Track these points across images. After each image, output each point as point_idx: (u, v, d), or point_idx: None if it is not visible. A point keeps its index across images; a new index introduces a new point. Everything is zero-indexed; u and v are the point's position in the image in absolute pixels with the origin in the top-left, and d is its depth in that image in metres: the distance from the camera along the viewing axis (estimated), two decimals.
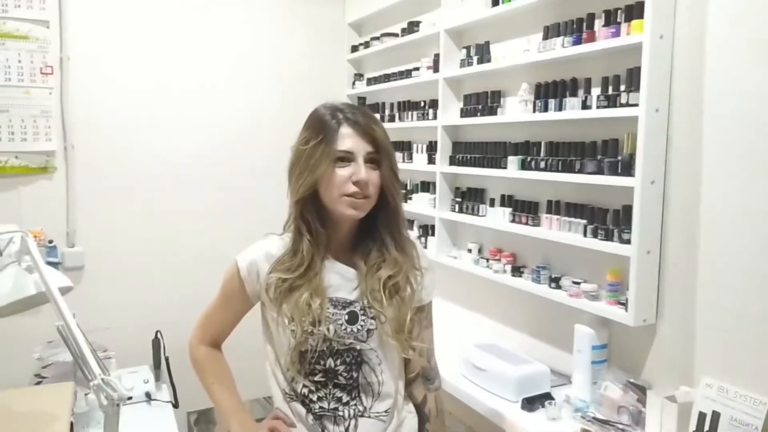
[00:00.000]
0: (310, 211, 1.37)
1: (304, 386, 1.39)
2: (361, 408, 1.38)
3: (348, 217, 1.36)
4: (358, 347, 1.37)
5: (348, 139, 1.33)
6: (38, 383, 2.09)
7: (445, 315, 2.74)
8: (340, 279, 1.40)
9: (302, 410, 1.40)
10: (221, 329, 1.54)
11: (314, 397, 1.39)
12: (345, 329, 1.36)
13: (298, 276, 1.37)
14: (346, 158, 1.32)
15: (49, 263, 2.73)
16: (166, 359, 2.43)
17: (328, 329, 1.35)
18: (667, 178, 1.79)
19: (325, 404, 1.38)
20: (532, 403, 1.93)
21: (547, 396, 1.96)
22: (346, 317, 1.37)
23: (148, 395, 2.27)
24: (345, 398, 1.38)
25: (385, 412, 1.40)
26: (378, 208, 1.39)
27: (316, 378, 1.39)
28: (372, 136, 1.34)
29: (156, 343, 2.47)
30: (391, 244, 1.40)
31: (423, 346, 1.45)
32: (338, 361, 1.37)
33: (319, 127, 1.34)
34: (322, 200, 1.36)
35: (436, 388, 1.53)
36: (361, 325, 1.37)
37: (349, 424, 1.38)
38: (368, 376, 1.39)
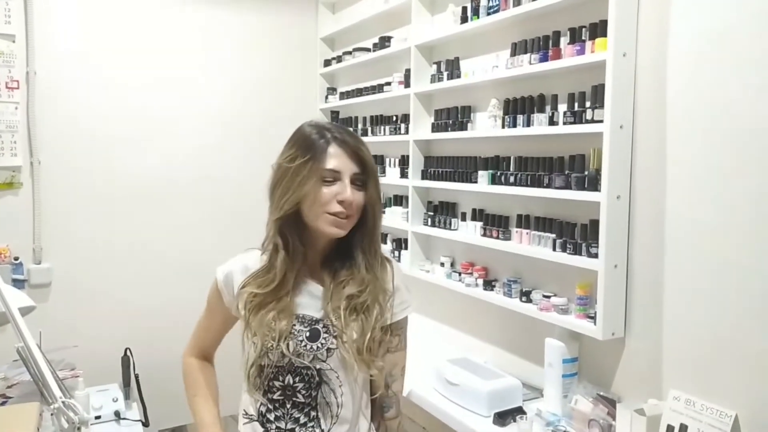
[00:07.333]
0: (290, 229, 1.36)
1: (262, 404, 1.38)
2: (318, 431, 1.37)
3: (328, 235, 1.35)
4: (317, 366, 1.36)
5: (336, 159, 1.33)
6: (3, 403, 2.05)
7: (418, 328, 2.74)
8: (309, 297, 1.40)
9: (260, 430, 1.38)
10: (208, 341, 1.55)
11: (272, 417, 1.37)
12: (305, 346, 1.35)
13: (269, 292, 1.36)
14: (333, 177, 1.33)
15: (15, 281, 2.69)
16: (136, 377, 2.39)
17: (287, 345, 1.34)
18: (633, 192, 1.82)
19: (282, 424, 1.36)
20: (503, 417, 1.93)
21: (519, 410, 1.97)
22: (308, 334, 1.36)
23: (117, 414, 2.23)
24: (302, 419, 1.36)
25: None
26: (355, 228, 1.39)
27: (275, 396, 1.37)
28: (360, 156, 1.35)
29: (125, 361, 2.42)
30: (363, 264, 1.39)
31: (384, 368, 1.41)
32: (297, 378, 1.36)
33: (307, 146, 1.34)
34: (303, 218, 1.36)
35: (391, 418, 1.48)
36: (321, 343, 1.35)
37: None
38: (327, 396, 1.37)
